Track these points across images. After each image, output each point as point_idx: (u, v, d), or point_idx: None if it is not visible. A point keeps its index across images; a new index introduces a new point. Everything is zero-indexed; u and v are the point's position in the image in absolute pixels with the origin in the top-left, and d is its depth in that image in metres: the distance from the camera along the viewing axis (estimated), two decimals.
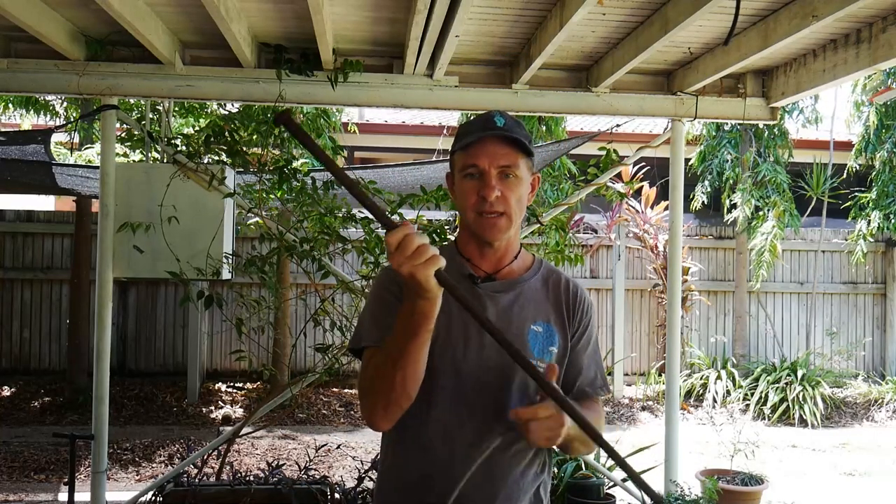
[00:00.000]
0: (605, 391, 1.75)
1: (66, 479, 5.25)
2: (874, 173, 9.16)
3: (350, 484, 4.36)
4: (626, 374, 8.93)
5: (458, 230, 1.77)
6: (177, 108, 7.54)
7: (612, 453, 1.47)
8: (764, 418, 7.97)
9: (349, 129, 9.27)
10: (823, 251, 9.40)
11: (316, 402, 7.94)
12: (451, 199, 1.73)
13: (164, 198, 4.03)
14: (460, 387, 1.58)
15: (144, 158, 5.54)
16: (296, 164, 5.04)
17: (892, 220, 8.87)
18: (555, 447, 1.56)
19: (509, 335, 1.48)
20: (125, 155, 7.24)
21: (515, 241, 1.70)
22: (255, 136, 4.80)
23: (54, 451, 6.23)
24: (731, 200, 9.03)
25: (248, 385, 8.39)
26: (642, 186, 8.92)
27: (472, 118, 1.67)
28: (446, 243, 1.83)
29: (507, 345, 1.34)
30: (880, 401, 8.41)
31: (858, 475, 6.37)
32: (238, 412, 7.65)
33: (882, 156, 8.96)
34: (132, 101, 6.54)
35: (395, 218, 1.42)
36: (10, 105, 8.32)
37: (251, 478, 4.11)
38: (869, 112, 9.08)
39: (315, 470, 4.47)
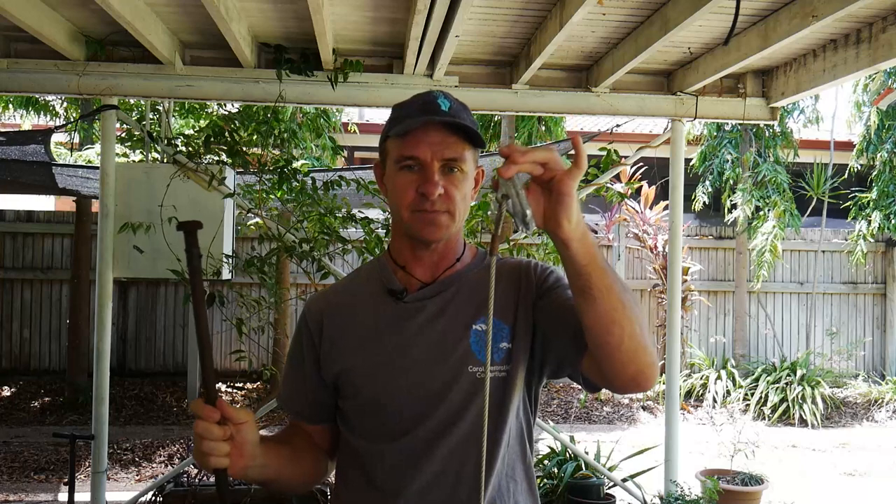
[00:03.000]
0: None
1: (66, 479, 5.25)
2: (875, 173, 9.16)
3: None
4: None
5: (391, 234, 1.54)
6: (177, 109, 7.55)
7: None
8: (764, 418, 7.97)
9: (349, 129, 9.28)
10: (823, 251, 9.40)
11: None
12: (381, 193, 1.48)
13: (164, 198, 4.03)
14: (391, 417, 1.38)
15: (144, 158, 5.54)
16: (296, 164, 5.04)
17: (893, 221, 8.88)
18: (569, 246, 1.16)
19: (443, 345, 1.37)
20: (125, 155, 7.24)
21: (457, 241, 1.45)
22: (255, 137, 4.81)
23: (54, 451, 6.24)
24: (731, 200, 9.04)
25: (248, 385, 8.39)
26: (641, 186, 8.92)
27: (409, 98, 1.41)
28: (373, 258, 1.62)
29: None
30: (880, 401, 8.41)
31: (858, 475, 6.37)
32: None
33: (882, 156, 8.97)
34: (132, 101, 6.54)
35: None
36: (10, 105, 8.33)
37: None
38: (870, 112, 9.08)
39: None
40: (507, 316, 1.39)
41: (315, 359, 1.45)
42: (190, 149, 4.23)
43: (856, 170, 9.43)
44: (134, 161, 7.09)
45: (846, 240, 9.30)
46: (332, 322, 1.45)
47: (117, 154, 4.85)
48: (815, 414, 7.84)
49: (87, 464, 5.30)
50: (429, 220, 1.35)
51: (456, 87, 4.19)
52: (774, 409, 7.98)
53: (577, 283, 1.19)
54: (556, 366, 1.41)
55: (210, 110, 7.50)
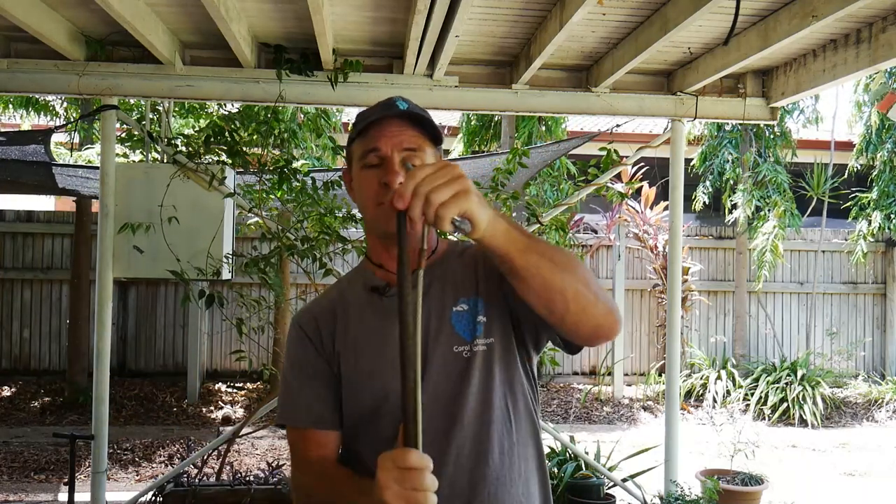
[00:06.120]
0: None
1: (66, 479, 5.25)
2: (875, 173, 9.16)
3: None
4: (626, 374, 8.93)
5: (365, 237, 1.56)
6: (177, 109, 7.55)
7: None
8: (764, 418, 7.97)
9: (349, 129, 9.26)
10: (823, 251, 9.40)
11: None
12: (351, 199, 1.51)
13: (164, 198, 4.03)
14: (391, 414, 1.35)
15: (144, 158, 5.54)
16: (296, 164, 5.04)
17: (893, 220, 8.88)
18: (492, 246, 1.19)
19: (430, 333, 1.38)
20: (125, 155, 7.24)
21: (430, 235, 1.46)
22: (255, 136, 4.80)
23: (54, 451, 6.24)
24: (731, 201, 9.04)
25: (248, 385, 8.39)
26: (642, 186, 8.92)
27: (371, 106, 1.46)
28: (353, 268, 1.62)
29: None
30: (880, 401, 8.41)
31: (858, 475, 6.37)
32: (238, 412, 7.65)
33: (882, 156, 8.97)
34: (132, 101, 6.54)
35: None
36: (10, 105, 8.33)
37: (251, 478, 4.11)
38: (870, 112, 9.08)
39: None
40: (473, 291, 1.41)
41: (325, 362, 1.44)
42: (190, 149, 4.23)
43: (856, 170, 9.43)
44: (134, 161, 7.09)
45: (846, 240, 9.30)
46: (326, 329, 1.45)
47: (117, 154, 4.84)
48: (815, 414, 7.84)
49: (87, 464, 5.30)
50: (391, 213, 1.35)
51: (456, 87, 4.19)
52: (774, 409, 7.98)
53: (503, 268, 1.22)
54: (534, 334, 1.44)
55: (210, 110, 7.50)
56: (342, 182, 1.56)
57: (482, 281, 1.42)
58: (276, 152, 5.94)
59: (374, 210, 1.38)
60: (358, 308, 1.45)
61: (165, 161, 4.50)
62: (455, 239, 1.55)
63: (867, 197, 9.08)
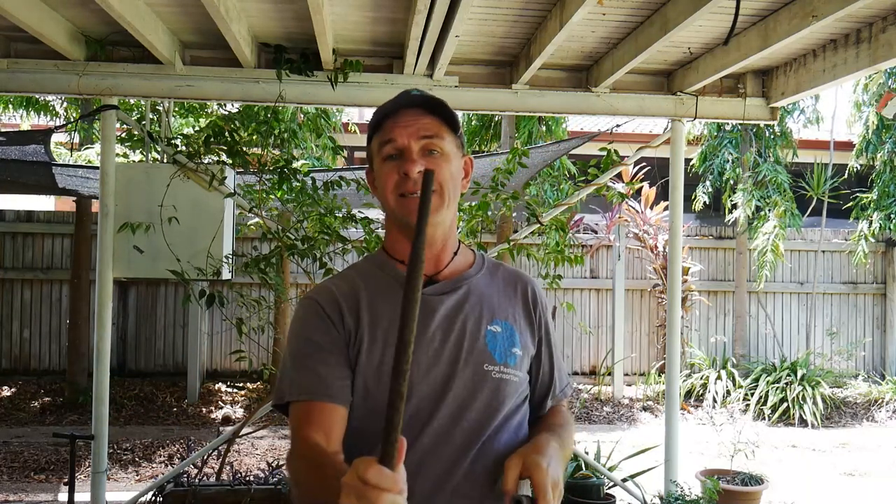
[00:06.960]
0: (570, 389, 1.57)
1: (66, 479, 5.25)
2: (875, 173, 9.17)
3: None
4: (626, 374, 8.93)
5: (385, 230, 1.53)
6: (177, 109, 7.55)
7: None
8: (764, 418, 7.97)
9: (349, 129, 9.27)
10: (823, 251, 9.40)
11: None
12: (376, 198, 1.45)
13: (164, 198, 4.03)
14: (419, 413, 1.33)
15: (144, 158, 5.54)
16: (296, 164, 5.04)
17: (894, 221, 8.88)
18: None
19: (463, 342, 1.36)
20: (125, 155, 7.24)
21: (453, 233, 1.45)
22: (255, 136, 4.81)
23: (54, 451, 6.24)
24: (731, 201, 9.04)
25: (248, 385, 8.39)
26: (642, 187, 8.92)
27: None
28: (371, 253, 1.56)
29: None
30: (880, 401, 8.41)
31: (858, 475, 6.37)
32: (238, 412, 7.65)
33: (882, 156, 8.97)
34: (132, 101, 6.54)
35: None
36: (10, 105, 8.33)
37: (251, 478, 4.11)
38: (869, 112, 9.09)
39: None
40: (524, 328, 1.45)
41: (342, 341, 1.36)
42: (190, 149, 4.23)
43: (856, 170, 9.43)
44: (134, 161, 7.09)
45: (846, 240, 9.31)
46: (350, 311, 1.38)
47: (117, 154, 4.84)
48: (815, 414, 7.84)
49: (87, 464, 5.30)
50: (415, 203, 1.30)
51: (456, 87, 4.19)
52: (774, 409, 7.98)
53: None
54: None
55: (210, 110, 7.50)
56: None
57: (535, 328, 1.47)
58: (276, 152, 5.95)
59: (395, 201, 1.37)
60: (390, 302, 1.37)
61: (165, 161, 4.50)
62: (474, 250, 1.54)
63: (867, 197, 9.08)
